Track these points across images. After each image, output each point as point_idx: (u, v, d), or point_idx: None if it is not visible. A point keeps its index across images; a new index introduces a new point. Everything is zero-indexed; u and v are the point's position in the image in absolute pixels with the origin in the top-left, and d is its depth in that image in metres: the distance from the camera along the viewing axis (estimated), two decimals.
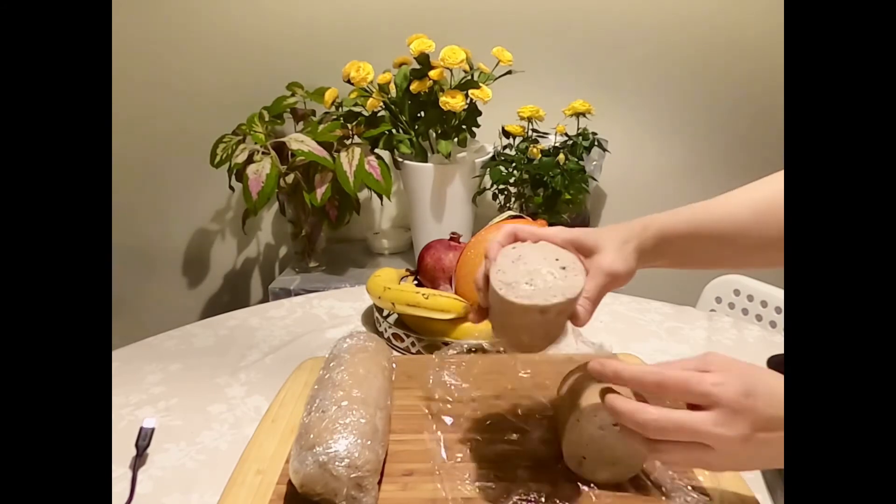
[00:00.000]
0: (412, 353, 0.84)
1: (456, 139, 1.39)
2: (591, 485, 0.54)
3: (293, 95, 1.51)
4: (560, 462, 0.57)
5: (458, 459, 0.58)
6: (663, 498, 0.53)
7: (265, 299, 1.71)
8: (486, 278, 0.52)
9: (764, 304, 1.12)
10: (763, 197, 0.57)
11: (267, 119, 1.44)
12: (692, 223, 0.57)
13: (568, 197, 1.35)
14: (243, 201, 1.32)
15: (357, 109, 1.41)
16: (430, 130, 1.40)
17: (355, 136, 1.38)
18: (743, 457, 0.44)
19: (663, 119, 1.64)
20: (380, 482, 0.54)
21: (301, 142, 1.31)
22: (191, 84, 1.63)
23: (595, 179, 1.48)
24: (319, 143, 1.32)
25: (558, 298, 0.47)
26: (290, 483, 0.53)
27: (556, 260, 0.51)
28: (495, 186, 1.41)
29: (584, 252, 0.55)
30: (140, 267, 1.77)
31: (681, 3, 1.54)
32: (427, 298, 0.82)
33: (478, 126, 1.42)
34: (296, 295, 1.16)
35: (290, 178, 1.37)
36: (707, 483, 0.55)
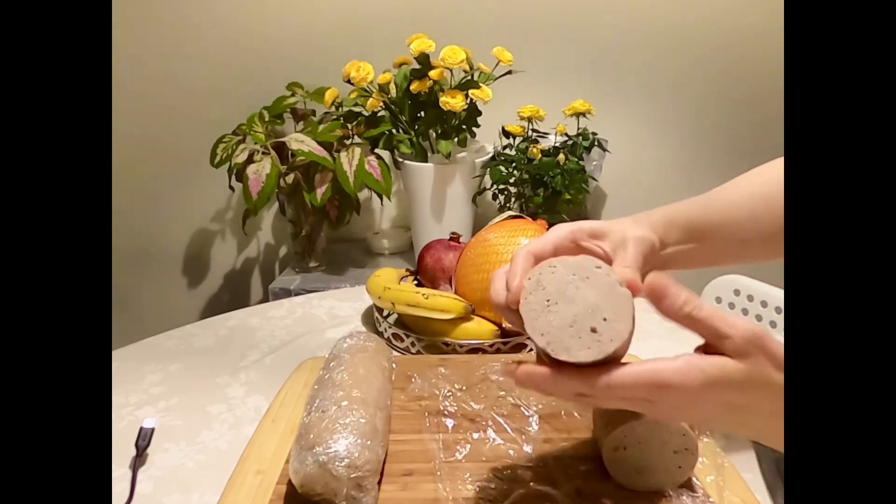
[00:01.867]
0: (412, 353, 0.84)
1: (456, 139, 1.39)
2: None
3: (293, 95, 1.51)
4: (560, 462, 0.57)
5: (458, 459, 0.58)
6: (665, 498, 0.53)
7: (265, 299, 1.71)
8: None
9: (764, 304, 1.12)
10: (753, 193, 0.55)
11: (267, 119, 1.44)
12: (696, 217, 0.54)
13: (568, 197, 1.36)
14: (243, 201, 1.32)
15: (357, 109, 1.41)
16: (430, 130, 1.40)
17: (355, 136, 1.38)
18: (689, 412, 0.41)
19: (663, 119, 1.64)
20: (380, 482, 0.54)
21: (301, 142, 1.31)
22: (191, 84, 1.63)
23: (595, 179, 1.48)
24: (319, 143, 1.32)
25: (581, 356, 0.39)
26: (290, 483, 0.53)
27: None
28: (495, 186, 1.42)
29: (597, 236, 0.49)
30: (140, 267, 1.77)
31: (681, 3, 1.54)
32: (427, 298, 0.82)
33: (478, 126, 1.42)
34: (296, 295, 1.16)
35: (290, 178, 1.37)
36: (708, 485, 0.55)
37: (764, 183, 0.55)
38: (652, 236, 0.51)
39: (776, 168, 0.56)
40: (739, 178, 0.57)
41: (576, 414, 0.64)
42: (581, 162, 1.40)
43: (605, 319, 0.40)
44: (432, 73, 1.30)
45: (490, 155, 1.45)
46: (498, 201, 1.46)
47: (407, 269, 0.98)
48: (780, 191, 0.52)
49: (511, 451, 0.59)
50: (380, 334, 0.88)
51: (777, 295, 1.11)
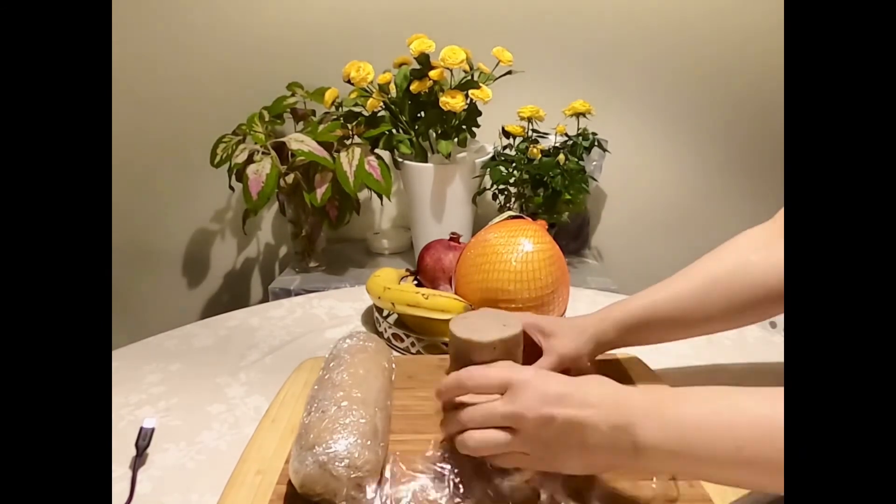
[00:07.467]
0: (412, 353, 0.84)
1: (456, 139, 1.39)
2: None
3: (293, 95, 1.51)
4: None
5: (458, 459, 0.58)
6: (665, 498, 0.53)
7: (265, 299, 1.71)
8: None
9: None
10: (703, 278, 0.65)
11: (267, 119, 1.44)
12: (645, 312, 0.66)
13: (568, 197, 1.35)
14: (243, 201, 1.32)
15: (357, 109, 1.41)
16: (430, 130, 1.40)
17: (355, 136, 1.38)
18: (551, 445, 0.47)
19: (663, 119, 1.64)
20: (380, 482, 0.54)
21: (301, 142, 1.31)
22: (191, 84, 1.63)
23: (595, 179, 1.48)
24: (319, 143, 1.32)
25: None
26: (290, 483, 0.53)
27: (504, 326, 0.63)
28: (495, 186, 1.41)
29: (544, 334, 0.66)
30: (140, 267, 1.77)
31: (681, 3, 1.54)
32: (427, 298, 0.82)
33: (478, 126, 1.42)
34: (296, 295, 1.16)
35: (290, 178, 1.37)
36: (710, 489, 0.55)
37: (710, 270, 0.65)
38: (580, 351, 0.66)
39: (721, 257, 0.66)
40: (689, 267, 0.67)
41: None
42: (581, 162, 1.40)
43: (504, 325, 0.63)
44: (432, 74, 1.30)
45: (490, 155, 1.45)
46: (498, 201, 1.46)
47: (407, 269, 0.98)
48: (723, 275, 0.64)
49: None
50: (380, 334, 0.88)
51: None
